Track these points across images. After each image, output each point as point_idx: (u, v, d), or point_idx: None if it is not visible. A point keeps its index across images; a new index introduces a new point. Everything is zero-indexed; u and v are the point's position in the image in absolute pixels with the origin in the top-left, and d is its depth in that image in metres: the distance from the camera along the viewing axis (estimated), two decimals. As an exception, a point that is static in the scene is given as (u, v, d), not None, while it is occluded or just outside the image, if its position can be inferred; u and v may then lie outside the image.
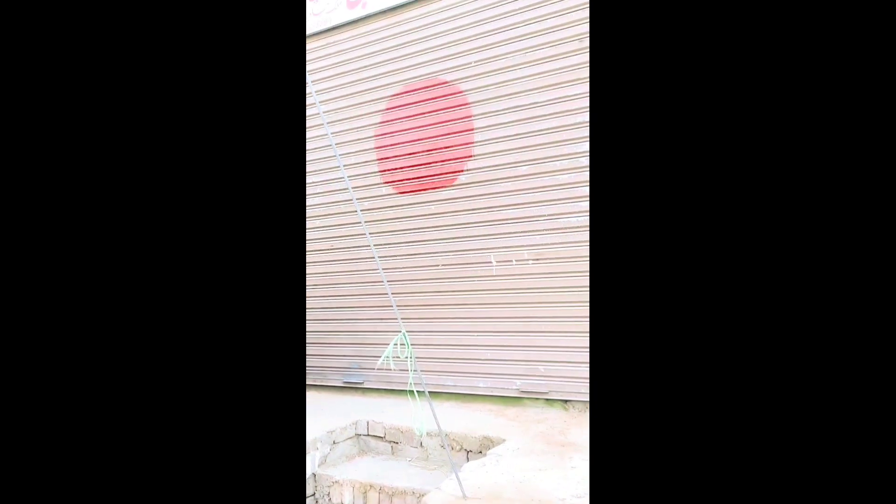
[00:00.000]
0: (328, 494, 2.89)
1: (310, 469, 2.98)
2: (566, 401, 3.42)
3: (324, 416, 3.50)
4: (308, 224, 4.51)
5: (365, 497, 2.76)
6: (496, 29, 3.66)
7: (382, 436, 3.31)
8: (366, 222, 3.24)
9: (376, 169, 4.15)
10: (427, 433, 3.02)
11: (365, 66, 4.18)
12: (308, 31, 4.37)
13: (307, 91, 4.04)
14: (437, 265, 3.91)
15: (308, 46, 4.38)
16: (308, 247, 4.50)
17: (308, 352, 4.50)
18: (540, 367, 3.51)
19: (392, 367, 2.32)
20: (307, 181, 4.51)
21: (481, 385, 3.71)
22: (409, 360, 2.24)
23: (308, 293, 4.48)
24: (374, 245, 3.19)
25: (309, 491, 2.91)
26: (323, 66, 4.35)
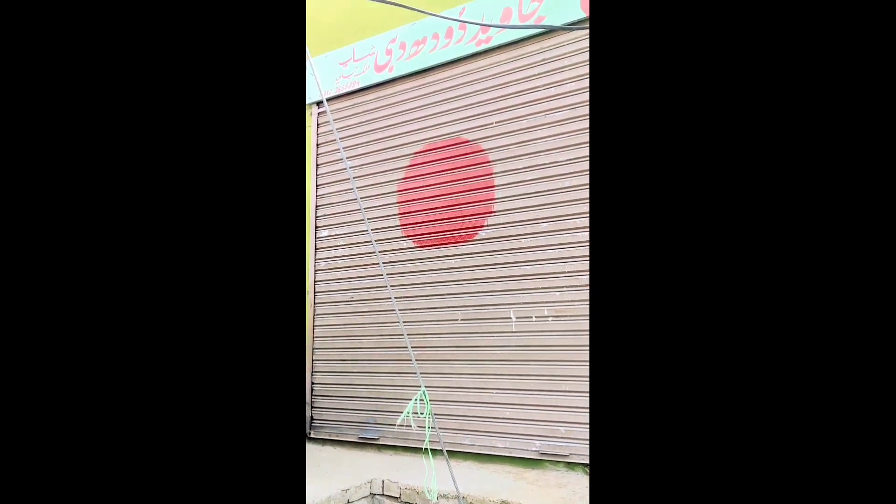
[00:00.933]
0: (340, 558, 2.78)
1: (322, 529, 2.88)
2: (588, 465, 3.30)
3: (338, 473, 3.42)
4: (330, 276, 4.57)
5: (378, 562, 2.65)
6: (517, 92, 3.80)
7: (398, 496, 3.20)
8: (387, 275, 3.28)
9: (398, 223, 4.24)
10: (444, 495, 2.92)
11: (390, 125, 4.34)
12: (338, 92, 4.58)
13: (337, 147, 4.18)
14: (456, 320, 3.90)
15: (338, 106, 4.59)
16: (329, 297, 4.54)
17: (324, 405, 4.45)
18: (560, 428, 3.41)
19: (412, 424, 2.28)
20: (332, 233, 4.60)
21: (499, 445, 3.61)
22: (427, 417, 2.20)
23: (328, 344, 4.48)
24: (395, 298, 3.21)
25: (320, 553, 2.81)
26: (351, 123, 4.53)
